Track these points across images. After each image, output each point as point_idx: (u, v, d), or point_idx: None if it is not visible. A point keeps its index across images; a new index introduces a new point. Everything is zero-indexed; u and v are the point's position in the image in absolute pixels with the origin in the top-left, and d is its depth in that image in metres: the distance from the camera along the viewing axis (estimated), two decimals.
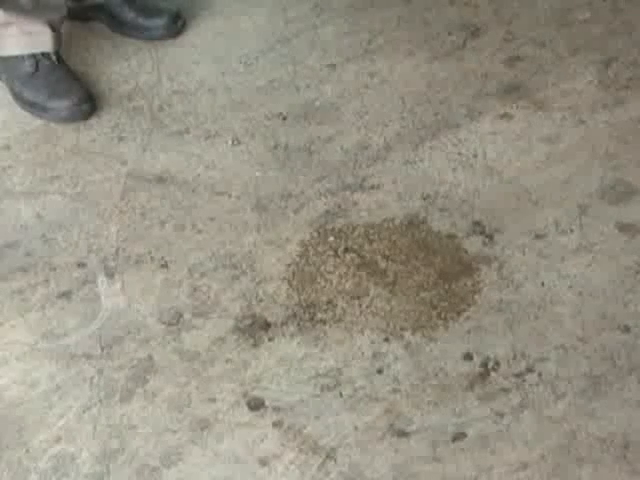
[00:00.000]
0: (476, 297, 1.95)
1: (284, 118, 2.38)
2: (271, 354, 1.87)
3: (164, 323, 1.93)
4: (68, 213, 2.16)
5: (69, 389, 1.82)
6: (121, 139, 2.33)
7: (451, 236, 2.07)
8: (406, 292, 1.96)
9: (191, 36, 2.63)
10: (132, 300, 1.97)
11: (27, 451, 1.74)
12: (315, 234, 2.08)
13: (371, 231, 2.08)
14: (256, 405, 1.79)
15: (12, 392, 1.82)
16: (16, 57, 2.38)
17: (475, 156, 2.25)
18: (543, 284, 1.97)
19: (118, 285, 2.00)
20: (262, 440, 1.74)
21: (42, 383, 1.84)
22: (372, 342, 1.88)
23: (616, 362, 1.83)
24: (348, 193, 2.18)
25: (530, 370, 1.82)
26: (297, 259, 2.04)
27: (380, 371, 1.84)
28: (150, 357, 1.87)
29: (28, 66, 2.38)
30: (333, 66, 2.52)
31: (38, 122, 2.38)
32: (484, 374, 1.82)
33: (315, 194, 2.18)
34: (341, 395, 1.80)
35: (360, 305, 1.94)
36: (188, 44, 2.61)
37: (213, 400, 1.80)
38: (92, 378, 1.84)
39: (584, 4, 2.67)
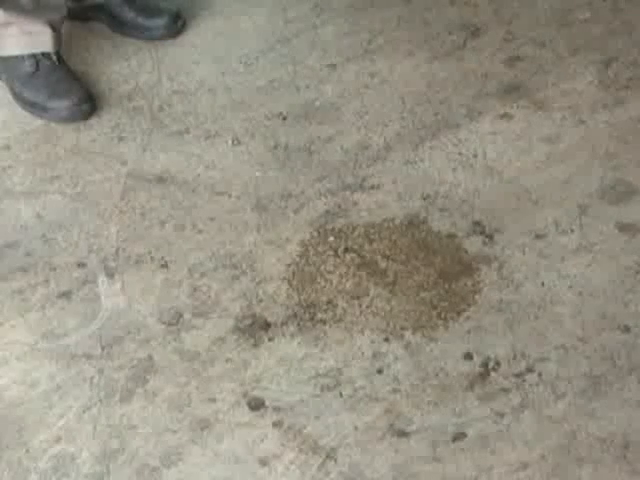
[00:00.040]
0: (476, 297, 1.95)
1: (284, 118, 2.38)
2: (271, 354, 1.87)
3: (164, 323, 1.93)
4: (68, 213, 2.16)
5: (69, 389, 1.82)
6: (121, 139, 2.33)
7: (451, 236, 2.07)
8: (406, 292, 1.96)
9: (191, 36, 2.63)
10: (132, 300, 1.97)
11: (27, 451, 1.74)
12: (315, 234, 2.09)
13: (371, 231, 2.08)
14: (256, 405, 1.79)
15: (12, 392, 1.83)
16: (16, 57, 2.38)
17: (475, 156, 2.25)
18: (543, 284, 1.97)
19: (118, 285, 2.00)
20: (262, 440, 1.74)
21: (42, 383, 1.84)
22: (372, 342, 1.89)
23: (616, 362, 1.83)
24: (348, 193, 2.18)
25: (530, 370, 1.82)
26: (297, 259, 2.04)
27: (380, 371, 1.84)
28: (150, 357, 1.87)
29: (28, 66, 2.38)
30: (333, 66, 2.52)
31: (38, 122, 2.38)
32: (484, 374, 1.82)
33: (315, 194, 2.18)
34: (341, 395, 1.80)
35: (360, 305, 1.94)
36: (188, 44, 2.61)
37: (213, 400, 1.80)
38: (92, 378, 1.84)
39: (584, 4, 2.67)
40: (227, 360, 1.86)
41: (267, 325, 1.92)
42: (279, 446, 1.73)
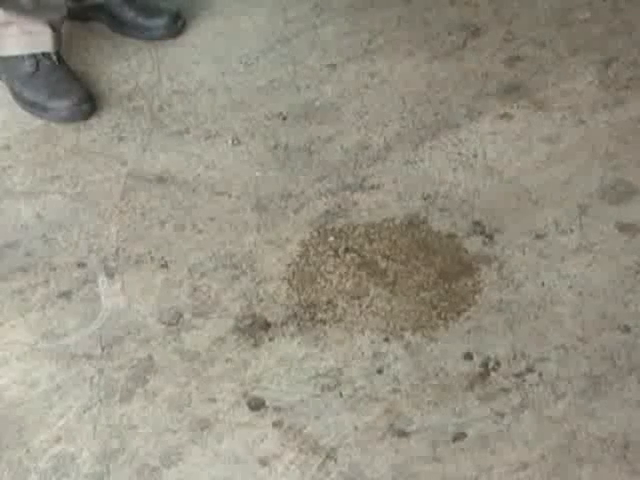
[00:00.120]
0: (476, 297, 1.95)
1: (284, 118, 2.38)
2: (271, 354, 1.87)
3: (164, 323, 1.93)
4: (68, 213, 2.16)
5: (69, 389, 1.82)
6: (121, 139, 2.33)
7: (451, 236, 2.07)
8: (406, 292, 1.96)
9: (191, 36, 2.63)
10: (132, 300, 1.97)
11: (27, 451, 1.74)
12: (315, 234, 2.09)
13: (371, 231, 2.08)
14: (256, 405, 1.79)
15: (12, 392, 1.82)
16: (16, 57, 2.38)
17: (475, 156, 2.25)
18: (543, 284, 1.97)
19: (118, 285, 2.00)
20: (262, 440, 1.74)
21: (42, 383, 1.84)
22: (372, 342, 1.88)
23: (616, 362, 1.83)
24: (348, 193, 2.18)
25: (530, 370, 1.82)
26: (297, 259, 2.04)
27: (380, 371, 1.84)
28: (150, 357, 1.87)
29: (28, 66, 2.38)
30: (333, 66, 2.52)
31: (38, 122, 2.38)
32: (484, 374, 1.82)
33: (315, 194, 2.18)
34: (341, 395, 1.80)
35: (360, 305, 1.94)
36: (188, 44, 2.61)
37: (213, 400, 1.80)
38: (92, 378, 1.84)
39: (584, 4, 2.67)
40: (227, 360, 1.86)
41: (267, 325, 1.92)
42: (279, 446, 1.73)
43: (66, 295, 1.99)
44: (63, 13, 2.42)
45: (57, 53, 2.41)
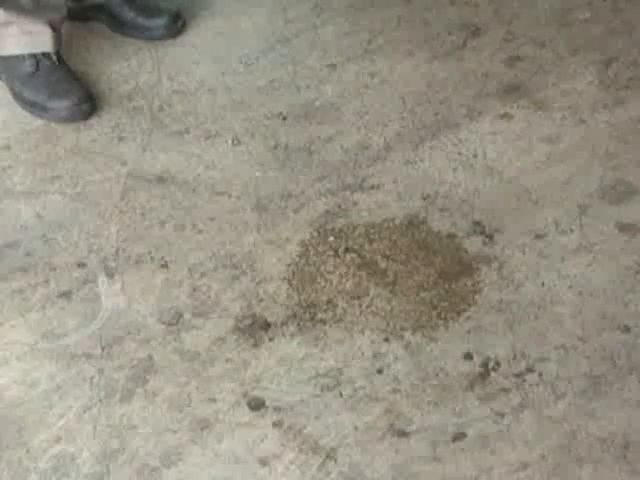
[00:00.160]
0: (476, 297, 1.95)
1: (284, 118, 2.38)
2: (271, 354, 1.87)
3: (164, 323, 1.93)
4: (68, 213, 2.16)
5: (69, 389, 1.82)
6: (121, 139, 2.33)
7: (451, 236, 2.07)
8: (406, 292, 1.96)
9: (191, 36, 2.63)
10: (132, 300, 1.97)
11: (27, 451, 1.74)
12: (315, 234, 2.09)
13: (371, 231, 2.08)
14: (256, 405, 1.79)
15: (12, 392, 1.82)
16: (16, 57, 2.38)
17: (475, 156, 2.25)
18: (543, 284, 1.97)
19: (118, 285, 2.00)
20: (262, 440, 1.74)
21: (42, 383, 1.84)
22: (372, 342, 1.88)
23: (616, 362, 1.83)
24: (348, 193, 2.18)
25: (530, 370, 1.82)
26: (297, 259, 2.04)
27: (380, 371, 1.84)
28: (150, 357, 1.87)
29: (28, 66, 2.38)
30: (333, 66, 2.52)
31: (38, 122, 2.38)
32: (484, 374, 1.82)
33: (315, 194, 2.18)
34: (341, 395, 1.80)
35: (360, 305, 1.94)
36: (188, 44, 2.61)
37: (213, 400, 1.80)
38: (92, 378, 1.84)
39: (584, 4, 2.67)
40: (227, 360, 1.86)
41: (267, 325, 1.92)
42: (279, 446, 1.73)
43: (66, 295, 1.99)
44: (63, 13, 2.42)
45: (57, 53, 2.41)
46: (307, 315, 1.93)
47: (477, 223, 2.10)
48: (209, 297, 1.98)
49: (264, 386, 1.82)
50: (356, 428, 1.75)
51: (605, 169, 2.20)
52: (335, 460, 1.71)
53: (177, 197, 2.19)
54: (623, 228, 2.07)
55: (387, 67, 2.50)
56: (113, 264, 2.04)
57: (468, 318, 1.92)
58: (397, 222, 2.10)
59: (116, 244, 2.08)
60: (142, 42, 2.59)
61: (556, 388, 1.80)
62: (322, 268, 2.01)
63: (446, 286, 1.97)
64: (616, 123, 2.31)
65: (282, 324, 1.92)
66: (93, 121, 2.38)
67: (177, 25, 2.62)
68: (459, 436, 1.73)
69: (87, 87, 2.42)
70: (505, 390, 1.80)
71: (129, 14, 2.60)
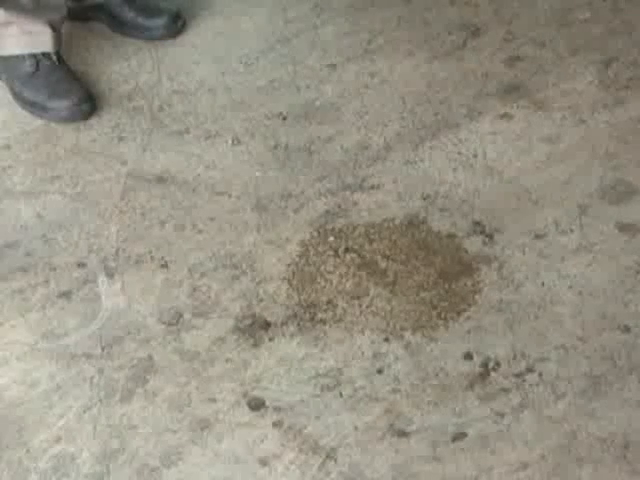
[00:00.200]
0: (476, 297, 1.95)
1: (284, 118, 2.38)
2: (271, 354, 1.87)
3: (164, 323, 1.93)
4: (68, 213, 2.16)
5: (69, 389, 1.82)
6: (121, 139, 2.33)
7: (451, 236, 2.07)
8: (406, 292, 1.96)
9: (191, 36, 2.63)
10: (132, 300, 1.97)
11: (27, 451, 1.74)
12: (315, 234, 2.09)
13: (371, 231, 2.08)
14: (256, 405, 1.79)
15: (12, 392, 1.83)
16: (16, 57, 2.38)
17: (475, 156, 2.25)
18: (543, 284, 1.97)
19: (118, 285, 2.00)
20: (262, 440, 1.74)
21: (42, 383, 1.84)
22: (372, 342, 1.88)
23: (616, 362, 1.83)
24: (348, 193, 2.18)
25: (530, 370, 1.82)
26: (297, 259, 2.04)
27: (380, 371, 1.84)
28: (150, 357, 1.87)
29: (28, 66, 2.38)
30: (333, 66, 2.52)
31: (38, 122, 2.38)
32: (484, 374, 1.82)
33: (315, 194, 2.18)
34: (341, 395, 1.80)
35: (360, 305, 1.94)
36: (188, 44, 2.61)
37: (213, 400, 1.80)
38: (92, 378, 1.84)
39: (584, 4, 2.67)
40: (227, 360, 1.86)
41: (267, 325, 1.92)
42: (279, 446, 1.73)
43: (66, 295, 1.99)
44: (63, 13, 2.42)
45: (57, 53, 2.41)
46: (307, 315, 1.93)
47: (477, 223, 2.10)
48: (209, 297, 1.98)
49: (264, 386, 1.82)
50: (356, 428, 1.75)
51: (605, 169, 2.20)
52: (335, 460, 1.71)
53: (177, 197, 2.19)
54: (623, 228, 2.07)
55: (387, 67, 2.50)
56: (113, 264, 2.04)
57: (468, 318, 1.92)
58: (397, 222, 2.10)
59: (116, 244, 2.08)
60: (142, 42, 2.59)
61: (556, 388, 1.80)
62: (322, 268, 2.01)
63: (446, 286, 1.97)
64: (616, 123, 2.31)
65: (282, 324, 1.92)
66: (93, 121, 2.38)
67: (177, 25, 2.62)
68: (459, 436, 1.73)
69: (87, 87, 2.42)
70: (505, 390, 1.80)
71: (129, 14, 2.60)
